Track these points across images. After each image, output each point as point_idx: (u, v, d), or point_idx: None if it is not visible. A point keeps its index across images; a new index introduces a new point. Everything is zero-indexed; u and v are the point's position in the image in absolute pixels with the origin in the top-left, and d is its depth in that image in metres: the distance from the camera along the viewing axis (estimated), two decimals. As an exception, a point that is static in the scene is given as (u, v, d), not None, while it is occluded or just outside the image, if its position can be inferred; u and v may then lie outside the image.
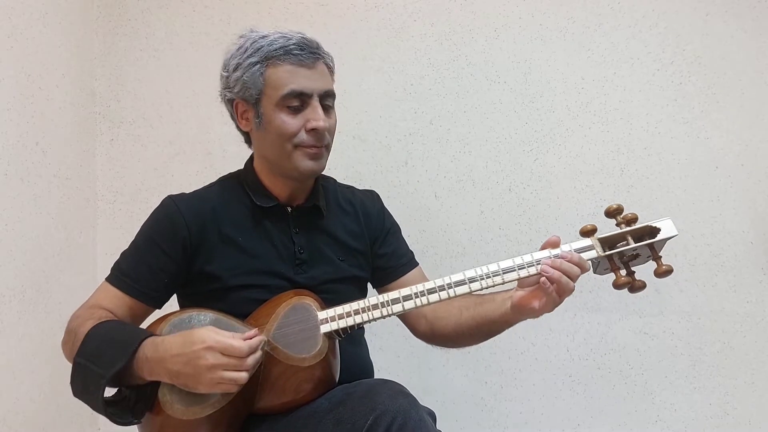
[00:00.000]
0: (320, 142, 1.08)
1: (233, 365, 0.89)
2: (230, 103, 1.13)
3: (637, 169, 1.73)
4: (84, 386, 0.95)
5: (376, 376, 1.24)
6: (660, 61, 1.73)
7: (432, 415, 1.06)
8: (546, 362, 1.75)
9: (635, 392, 1.72)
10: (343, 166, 1.70)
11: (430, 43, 1.80)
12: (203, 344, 0.89)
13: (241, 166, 1.20)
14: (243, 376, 0.90)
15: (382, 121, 1.80)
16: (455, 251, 1.77)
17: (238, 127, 1.16)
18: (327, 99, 1.10)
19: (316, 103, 1.07)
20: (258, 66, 1.06)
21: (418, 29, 1.80)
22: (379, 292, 1.25)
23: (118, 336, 0.97)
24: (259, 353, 0.93)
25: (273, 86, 1.06)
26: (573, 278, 0.96)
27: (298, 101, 1.06)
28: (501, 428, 1.76)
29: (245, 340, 0.91)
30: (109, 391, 0.96)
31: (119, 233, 1.83)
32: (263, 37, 1.07)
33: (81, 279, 1.75)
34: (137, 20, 1.86)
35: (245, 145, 1.19)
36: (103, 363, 0.93)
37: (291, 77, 1.05)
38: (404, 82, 1.80)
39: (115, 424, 0.97)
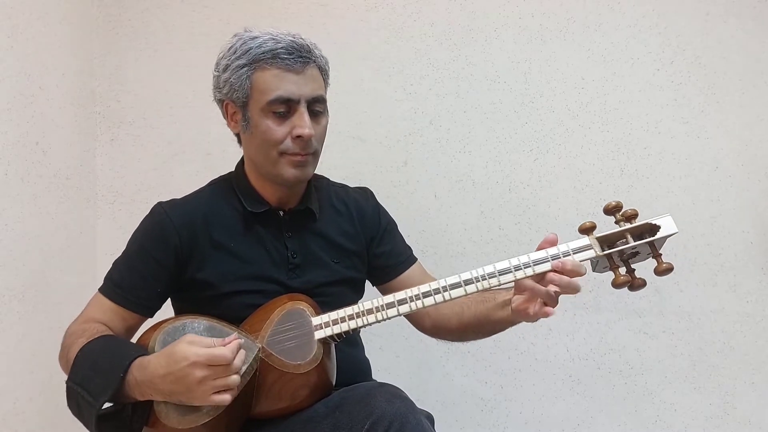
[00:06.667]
0: (306, 150, 1.05)
1: (221, 373, 0.87)
2: (220, 103, 1.11)
3: (637, 169, 1.72)
4: (78, 411, 0.95)
5: (376, 376, 1.24)
6: (660, 61, 1.72)
7: (430, 418, 1.05)
8: (546, 362, 1.75)
9: (635, 392, 1.72)
10: (343, 166, 1.70)
11: (430, 43, 1.79)
12: (187, 361, 0.86)
13: (241, 167, 1.20)
14: (234, 379, 0.88)
15: (381, 121, 1.80)
16: (455, 251, 1.77)
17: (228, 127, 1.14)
18: (316, 105, 1.06)
19: (303, 109, 1.04)
20: (245, 69, 1.03)
21: (418, 29, 1.80)
22: (379, 290, 1.25)
23: (106, 360, 0.95)
24: (243, 353, 0.91)
25: (260, 91, 1.03)
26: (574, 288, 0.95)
27: (285, 107, 1.03)
28: (501, 428, 1.76)
29: (225, 345, 0.89)
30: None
31: (119, 233, 1.83)
32: (253, 38, 1.04)
33: (81, 279, 1.75)
34: (137, 20, 1.86)
35: (245, 146, 1.19)
36: (93, 391, 0.92)
37: (278, 82, 1.02)
38: (404, 82, 1.80)
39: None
